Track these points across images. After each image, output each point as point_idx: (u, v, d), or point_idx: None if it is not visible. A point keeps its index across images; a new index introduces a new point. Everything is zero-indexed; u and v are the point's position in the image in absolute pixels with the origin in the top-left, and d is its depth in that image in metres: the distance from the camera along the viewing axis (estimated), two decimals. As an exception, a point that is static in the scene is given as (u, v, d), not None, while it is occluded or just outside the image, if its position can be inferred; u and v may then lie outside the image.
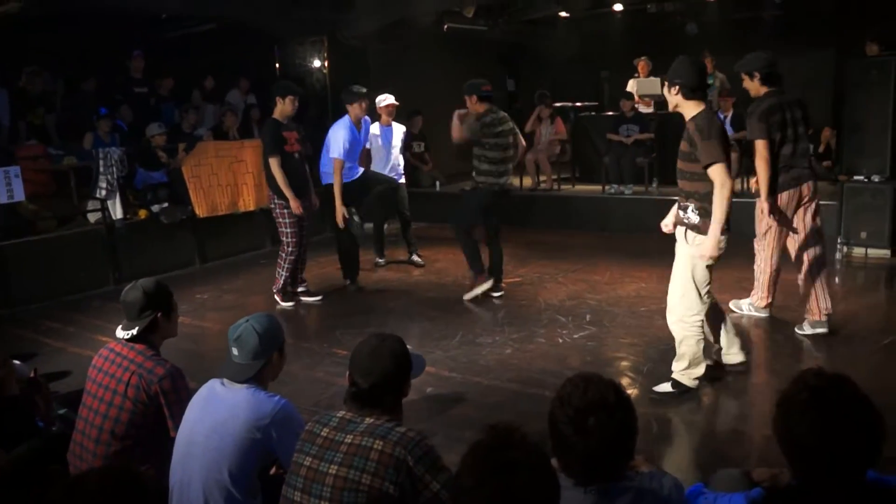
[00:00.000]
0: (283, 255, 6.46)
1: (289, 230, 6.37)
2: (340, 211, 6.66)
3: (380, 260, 8.06)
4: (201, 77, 10.48)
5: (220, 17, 9.90)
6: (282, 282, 6.55)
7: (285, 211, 6.28)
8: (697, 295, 4.11)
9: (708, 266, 4.08)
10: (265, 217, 6.87)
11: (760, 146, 4.97)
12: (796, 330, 5.26)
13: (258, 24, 10.13)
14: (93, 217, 7.89)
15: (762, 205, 5.12)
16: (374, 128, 7.55)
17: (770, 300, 5.57)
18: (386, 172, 7.59)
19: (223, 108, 9.91)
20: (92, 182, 7.73)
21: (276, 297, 6.61)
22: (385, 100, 7.56)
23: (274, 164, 6.15)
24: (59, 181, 8.02)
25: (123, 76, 9.46)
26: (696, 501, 2.16)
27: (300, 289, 6.74)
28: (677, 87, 4.04)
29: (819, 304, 5.14)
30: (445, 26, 11.09)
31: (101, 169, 7.69)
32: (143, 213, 8.19)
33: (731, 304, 5.76)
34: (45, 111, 8.62)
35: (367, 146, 7.36)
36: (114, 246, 7.77)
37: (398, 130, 7.83)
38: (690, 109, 4.04)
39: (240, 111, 10.11)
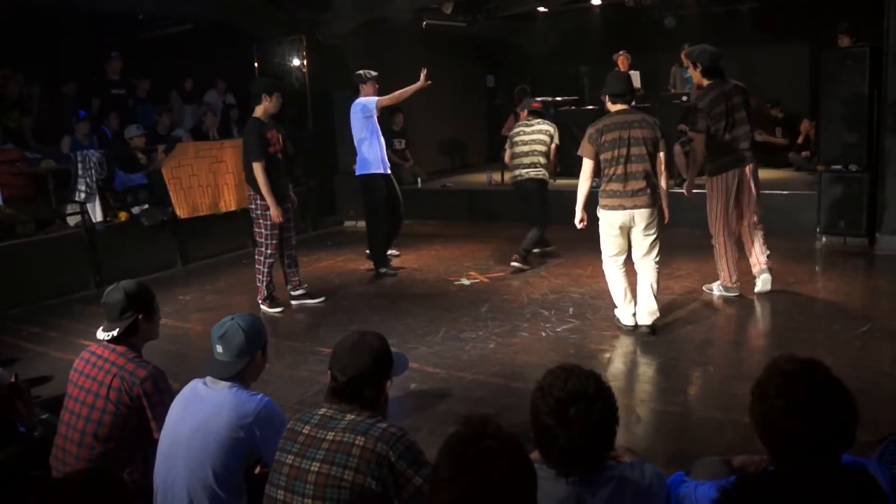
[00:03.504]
0: (261, 258, 6.26)
1: (267, 231, 6.19)
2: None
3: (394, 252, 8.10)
4: (179, 78, 10.40)
5: (197, 16, 9.84)
6: (264, 288, 6.33)
7: (267, 213, 6.11)
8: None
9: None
10: (246, 217, 6.85)
11: (698, 139, 5.54)
12: (704, 289, 6.01)
13: (236, 23, 10.09)
14: (72, 220, 7.81)
15: (688, 193, 5.75)
16: None
17: (736, 279, 5.83)
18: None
19: (202, 109, 9.85)
20: (71, 185, 7.65)
21: (262, 306, 6.33)
22: None
23: (258, 168, 5.97)
24: (37, 185, 7.94)
25: (100, 77, 9.38)
26: (677, 490, 2.17)
27: (299, 291, 6.54)
28: (607, 97, 5.19)
29: (759, 258, 5.73)
30: (424, 23, 11.07)
31: (80, 172, 7.61)
32: (123, 216, 8.13)
33: (704, 287, 6.13)
34: (21, 114, 8.53)
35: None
36: (94, 249, 7.70)
37: None
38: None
39: (218, 111, 10.06)
